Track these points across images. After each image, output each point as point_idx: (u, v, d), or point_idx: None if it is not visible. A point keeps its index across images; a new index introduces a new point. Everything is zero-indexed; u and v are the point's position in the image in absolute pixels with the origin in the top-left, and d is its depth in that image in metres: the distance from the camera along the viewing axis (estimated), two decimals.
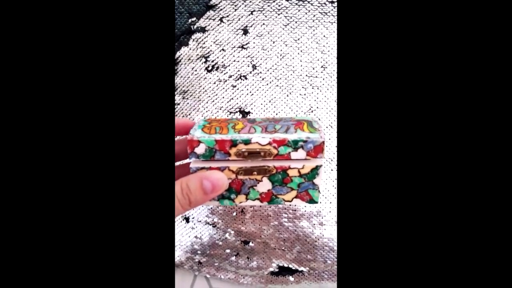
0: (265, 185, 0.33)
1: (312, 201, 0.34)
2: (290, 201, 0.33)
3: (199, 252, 0.59)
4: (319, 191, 0.33)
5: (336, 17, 0.54)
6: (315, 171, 0.32)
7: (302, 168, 0.32)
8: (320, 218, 0.57)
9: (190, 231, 0.59)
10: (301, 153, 0.32)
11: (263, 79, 0.56)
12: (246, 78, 0.56)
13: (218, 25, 0.55)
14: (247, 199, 0.33)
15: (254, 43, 0.55)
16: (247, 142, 0.31)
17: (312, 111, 0.55)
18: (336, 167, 0.56)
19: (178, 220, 0.59)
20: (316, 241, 0.57)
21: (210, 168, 0.32)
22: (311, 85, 0.55)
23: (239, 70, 0.56)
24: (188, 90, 0.57)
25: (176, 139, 0.38)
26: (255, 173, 0.32)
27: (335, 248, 0.57)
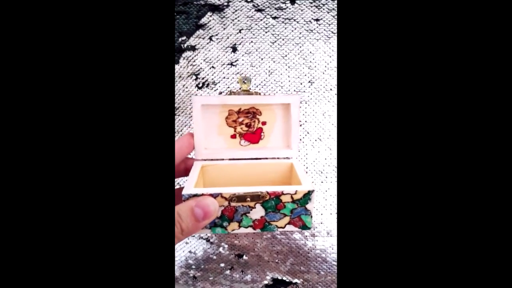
0: (258, 212, 0.33)
1: (304, 226, 0.33)
2: (283, 227, 0.33)
3: (193, 266, 0.60)
4: (311, 217, 0.33)
5: (321, 34, 0.56)
6: (307, 196, 0.32)
7: (295, 193, 0.32)
8: (312, 230, 0.58)
9: (185, 246, 0.60)
10: None
11: None
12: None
13: (207, 43, 0.57)
14: (239, 226, 0.33)
15: (243, 60, 0.57)
16: None
17: (300, 125, 0.57)
18: (325, 178, 0.57)
19: None
20: (309, 253, 0.58)
21: (203, 195, 0.31)
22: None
23: (228, 87, 0.57)
24: (180, 106, 0.58)
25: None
26: (249, 199, 0.32)
27: (328, 259, 0.58)
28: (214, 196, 0.31)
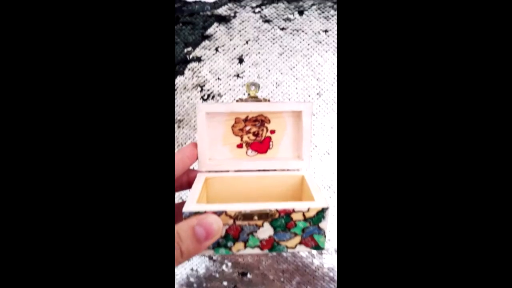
0: (266, 231, 0.30)
1: (317, 247, 0.31)
2: (294, 247, 0.31)
3: (195, 285, 0.58)
4: (325, 236, 0.30)
5: (329, 45, 0.55)
6: (321, 214, 0.30)
7: (308, 211, 0.29)
8: None
9: (186, 263, 0.58)
10: None
11: None
12: None
13: (213, 54, 0.56)
14: (246, 246, 0.30)
15: (249, 71, 0.56)
16: None
17: None
18: (333, 193, 0.55)
19: None
20: (316, 272, 0.55)
21: (205, 213, 0.29)
22: None
23: (235, 99, 0.56)
24: (184, 119, 0.57)
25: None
26: (256, 217, 0.29)
27: (336, 278, 0.55)
28: (218, 214, 0.29)
